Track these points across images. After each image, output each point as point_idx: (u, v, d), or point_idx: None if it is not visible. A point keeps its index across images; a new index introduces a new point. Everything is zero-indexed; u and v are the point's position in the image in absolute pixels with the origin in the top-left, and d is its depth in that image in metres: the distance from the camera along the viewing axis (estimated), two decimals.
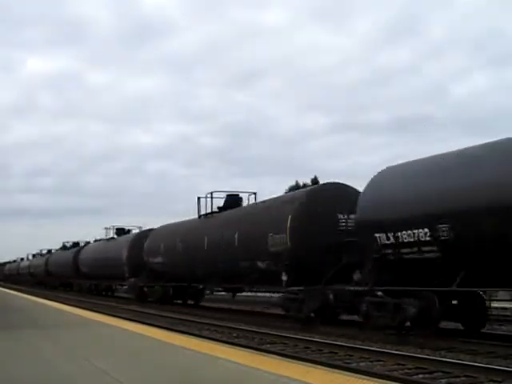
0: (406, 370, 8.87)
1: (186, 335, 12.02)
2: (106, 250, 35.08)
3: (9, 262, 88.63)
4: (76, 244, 48.66)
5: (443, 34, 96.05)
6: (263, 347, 11.47)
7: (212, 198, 22.56)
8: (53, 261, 51.21)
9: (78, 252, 42.13)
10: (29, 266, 64.89)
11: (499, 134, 13.19)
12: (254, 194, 22.01)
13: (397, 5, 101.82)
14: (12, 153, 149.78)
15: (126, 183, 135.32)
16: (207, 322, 17.06)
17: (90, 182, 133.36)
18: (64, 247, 51.96)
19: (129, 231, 36.27)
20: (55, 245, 65.47)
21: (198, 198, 22.82)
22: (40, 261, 57.52)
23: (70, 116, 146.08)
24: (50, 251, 58.26)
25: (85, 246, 43.78)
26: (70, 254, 44.97)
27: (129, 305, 26.59)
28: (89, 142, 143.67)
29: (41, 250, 62.93)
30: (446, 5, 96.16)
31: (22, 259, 76.92)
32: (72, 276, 42.47)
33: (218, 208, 22.24)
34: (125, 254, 30.55)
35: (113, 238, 36.21)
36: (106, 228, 37.26)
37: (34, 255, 68.41)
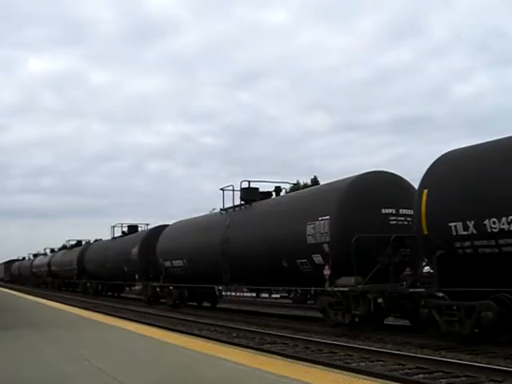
0: (406, 370, 8.87)
1: (186, 335, 12.02)
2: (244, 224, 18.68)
3: (17, 260, 74.67)
4: (134, 227, 32.35)
5: (446, 34, 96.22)
6: (263, 347, 11.48)
7: None
8: (92, 255, 36.44)
9: (152, 236, 26.13)
10: (48, 264, 49.33)
11: (501, 133, 13.04)
12: None
13: (399, 5, 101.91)
14: (13, 153, 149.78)
15: (127, 183, 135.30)
16: (207, 322, 17.06)
17: (91, 182, 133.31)
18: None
19: (273, 193, 19.47)
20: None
21: None
22: (68, 256, 42.70)
23: (72, 116, 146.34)
24: (83, 243, 43.40)
25: (162, 227, 26.39)
26: (129, 241, 29.42)
27: (128, 305, 26.58)
28: (90, 141, 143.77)
29: (68, 241, 47.33)
30: (449, 5, 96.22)
31: (35, 255, 62.79)
32: (131, 277, 28.50)
33: None
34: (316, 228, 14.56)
35: (219, 212, 21.15)
36: (226, 188, 19.97)
37: (52, 250, 54.91)
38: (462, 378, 8.25)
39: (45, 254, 56.72)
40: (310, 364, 7.96)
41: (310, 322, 16.27)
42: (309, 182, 48.31)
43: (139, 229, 31.98)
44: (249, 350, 9.65)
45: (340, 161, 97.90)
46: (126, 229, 33.14)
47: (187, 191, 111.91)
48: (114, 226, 33.81)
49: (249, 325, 15.89)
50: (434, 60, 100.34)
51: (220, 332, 14.82)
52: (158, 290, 25.36)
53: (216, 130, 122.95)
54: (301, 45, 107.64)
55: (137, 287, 30.90)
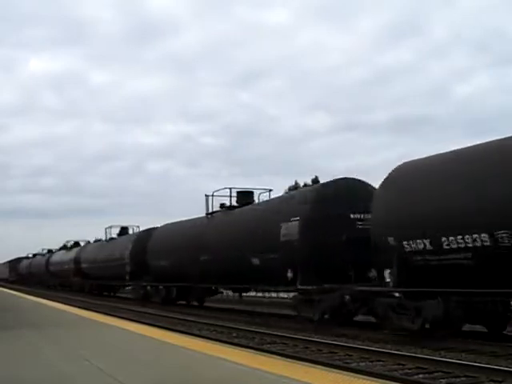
0: (406, 370, 8.86)
1: (186, 335, 12.02)
2: None
3: (26, 258, 64.68)
4: (247, 194, 20.27)
5: (446, 34, 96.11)
6: (263, 347, 11.48)
7: None
8: (164, 244, 24.10)
9: (334, 194, 15.10)
10: (75, 260, 38.56)
11: (501, 134, 12.98)
12: None
13: (399, 5, 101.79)
14: (13, 153, 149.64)
15: (127, 183, 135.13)
16: (207, 321, 17.06)
17: (91, 182, 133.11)
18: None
19: None
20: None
21: None
22: (111, 248, 31.35)
23: (72, 116, 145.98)
24: (131, 231, 32.85)
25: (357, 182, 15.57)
26: (265, 214, 17.43)
27: (129, 305, 26.57)
28: (90, 141, 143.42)
29: (109, 227, 34.81)
30: (449, 5, 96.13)
31: (50, 251, 52.78)
32: (268, 276, 16.51)
33: None
34: None
35: None
36: None
37: (76, 243, 44.14)
38: (462, 378, 8.25)
39: (66, 248, 45.65)
40: (310, 364, 7.96)
41: (310, 322, 16.26)
42: (309, 182, 48.37)
43: (256, 198, 19.98)
44: (249, 350, 9.66)
45: (341, 161, 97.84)
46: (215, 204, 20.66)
47: (187, 191, 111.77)
48: (211, 196, 20.43)
49: (249, 325, 15.89)
50: (434, 60, 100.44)
51: (220, 332, 14.82)
52: (347, 298, 13.84)
53: (216, 130, 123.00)
54: (301, 45, 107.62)
55: (272, 293, 18.94)
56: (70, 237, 52.18)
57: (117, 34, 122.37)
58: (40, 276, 51.39)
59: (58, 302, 25.76)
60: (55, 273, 45.35)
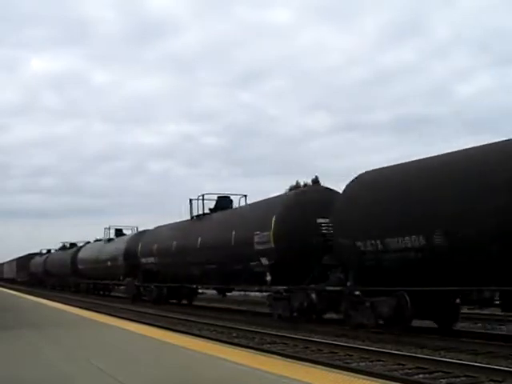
0: (406, 370, 8.87)
1: (186, 335, 12.02)
2: None
3: (38, 254, 53.03)
4: None
5: (447, 34, 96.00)
6: (263, 347, 11.48)
7: None
8: (389, 205, 12.41)
9: None
10: (124, 253, 28.45)
11: (501, 133, 12.84)
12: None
13: (400, 5, 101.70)
14: (13, 153, 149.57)
15: (127, 183, 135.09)
16: (207, 322, 17.07)
17: (91, 182, 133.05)
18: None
19: None
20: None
21: None
22: (203, 228, 20.56)
23: (73, 116, 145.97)
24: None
25: None
26: None
27: (128, 305, 26.57)
28: (90, 141, 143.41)
29: (202, 196, 22.03)
30: (450, 5, 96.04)
31: (73, 245, 41.97)
32: None
33: None
34: None
35: None
36: None
37: (118, 231, 33.53)
38: (462, 378, 8.25)
39: (109, 240, 33.14)
40: (310, 364, 7.96)
41: (310, 322, 16.27)
42: (309, 182, 48.38)
43: None
44: (249, 350, 9.65)
45: (342, 161, 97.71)
46: None
47: (187, 191, 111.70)
48: None
49: (249, 325, 15.90)
50: (435, 60, 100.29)
51: (220, 332, 14.83)
52: None
53: (216, 130, 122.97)
54: (301, 45, 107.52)
55: None
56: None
57: (117, 34, 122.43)
58: (62, 277, 40.23)
59: (58, 302, 25.76)
60: (88, 273, 34.05)
